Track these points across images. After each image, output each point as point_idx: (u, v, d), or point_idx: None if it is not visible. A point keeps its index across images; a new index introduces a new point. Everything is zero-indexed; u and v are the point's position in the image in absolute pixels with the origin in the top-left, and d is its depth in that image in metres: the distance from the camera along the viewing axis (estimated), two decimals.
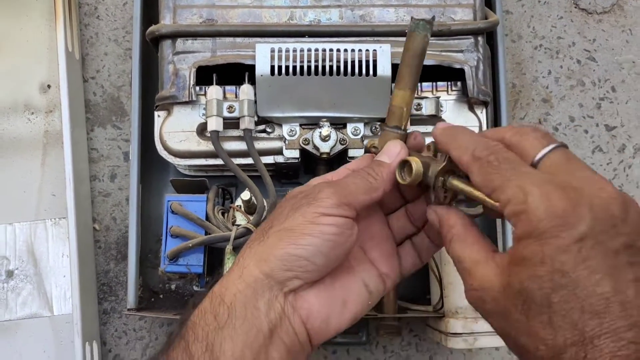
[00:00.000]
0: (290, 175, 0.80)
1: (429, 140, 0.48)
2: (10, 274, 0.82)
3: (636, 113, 0.91)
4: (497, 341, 0.69)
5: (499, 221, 0.78)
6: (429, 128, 0.74)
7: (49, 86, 0.86)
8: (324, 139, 0.70)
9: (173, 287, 0.83)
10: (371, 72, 0.70)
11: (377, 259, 0.49)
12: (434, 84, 0.74)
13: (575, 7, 0.93)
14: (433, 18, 0.44)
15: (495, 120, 0.78)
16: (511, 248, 0.37)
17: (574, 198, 0.34)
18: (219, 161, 0.72)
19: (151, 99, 0.78)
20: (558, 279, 0.33)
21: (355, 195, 0.45)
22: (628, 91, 0.91)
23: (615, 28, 0.93)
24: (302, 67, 0.70)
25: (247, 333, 0.42)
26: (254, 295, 0.42)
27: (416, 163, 0.45)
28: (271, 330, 0.43)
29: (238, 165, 0.71)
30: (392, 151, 0.48)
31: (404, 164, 0.46)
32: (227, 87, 0.73)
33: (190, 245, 0.68)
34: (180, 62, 0.72)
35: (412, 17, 0.46)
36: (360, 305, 0.47)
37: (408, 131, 0.50)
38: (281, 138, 0.73)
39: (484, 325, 0.69)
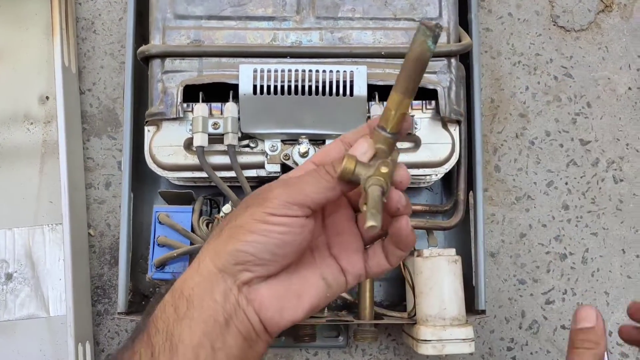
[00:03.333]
0: None
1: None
2: (9, 276, 0.87)
3: (610, 128, 0.94)
4: (465, 347, 0.73)
5: (472, 230, 0.82)
6: (404, 145, 0.78)
7: (47, 98, 0.91)
8: (303, 155, 0.75)
9: (163, 291, 0.87)
10: (348, 92, 0.74)
11: (339, 254, 0.50)
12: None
13: (554, 25, 0.97)
14: (438, 26, 0.43)
15: (469, 137, 0.82)
16: None
17: None
18: (205, 174, 0.76)
19: (143, 111, 0.82)
20: None
21: (307, 195, 0.45)
22: (603, 107, 0.95)
23: (592, 45, 0.96)
24: (283, 87, 0.74)
25: (204, 322, 0.45)
26: (210, 288, 0.45)
27: (348, 161, 0.44)
28: (227, 319, 0.46)
29: (222, 178, 0.75)
30: (358, 149, 0.47)
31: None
32: (213, 104, 0.77)
33: (175, 255, 0.72)
34: (169, 81, 0.76)
35: (421, 21, 0.44)
36: (316, 297, 0.49)
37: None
38: (263, 153, 0.77)
39: (452, 333, 0.73)
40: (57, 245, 0.87)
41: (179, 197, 0.80)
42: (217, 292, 0.45)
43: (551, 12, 0.97)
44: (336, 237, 0.51)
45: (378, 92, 0.76)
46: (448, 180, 0.88)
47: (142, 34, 0.85)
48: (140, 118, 0.82)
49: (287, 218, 0.45)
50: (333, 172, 0.46)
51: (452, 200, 0.84)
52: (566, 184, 0.93)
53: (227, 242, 0.46)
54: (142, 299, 0.86)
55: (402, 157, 0.77)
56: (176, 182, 0.84)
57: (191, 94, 0.77)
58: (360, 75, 0.74)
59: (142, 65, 0.82)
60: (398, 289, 0.89)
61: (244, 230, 0.45)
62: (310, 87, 0.74)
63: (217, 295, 0.45)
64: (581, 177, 0.93)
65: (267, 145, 0.77)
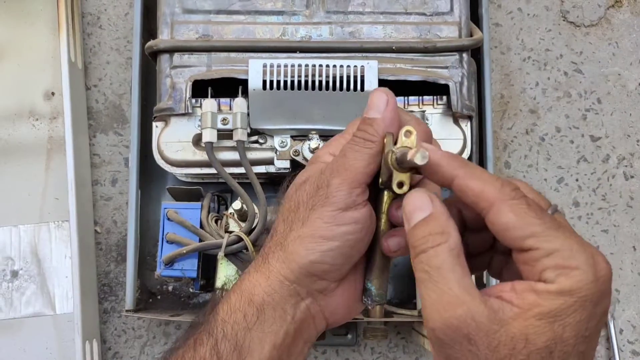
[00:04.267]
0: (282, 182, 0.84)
1: None
2: (15, 274, 0.86)
3: (621, 124, 0.93)
4: None
5: None
6: None
7: (53, 93, 0.90)
8: (313, 150, 0.74)
9: (170, 288, 0.86)
10: (359, 87, 0.73)
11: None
12: (420, 98, 0.77)
13: (564, 20, 0.96)
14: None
15: (480, 133, 0.81)
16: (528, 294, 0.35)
17: (605, 269, 0.35)
18: (214, 170, 0.75)
19: (151, 107, 0.81)
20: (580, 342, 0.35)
21: (362, 172, 0.42)
22: (613, 103, 0.94)
23: (602, 41, 0.95)
24: (292, 82, 0.73)
25: (275, 334, 0.42)
26: (282, 299, 0.43)
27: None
28: (296, 330, 0.44)
29: (231, 174, 0.75)
30: (379, 103, 0.43)
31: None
32: (222, 100, 0.76)
33: (184, 252, 0.71)
34: (177, 76, 0.75)
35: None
36: None
37: None
38: (273, 149, 0.76)
39: None
40: (63, 242, 0.86)
41: (187, 193, 0.79)
42: (289, 304, 0.43)
43: (561, 8, 0.96)
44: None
45: (389, 87, 0.75)
46: None
47: (149, 28, 0.84)
48: (147, 114, 0.82)
49: (356, 212, 0.42)
50: (373, 136, 0.42)
51: None
52: (577, 180, 0.92)
53: (298, 253, 0.42)
54: (150, 296, 0.86)
55: None
56: (184, 179, 0.83)
57: (200, 89, 0.76)
58: (371, 70, 0.73)
59: (149, 61, 0.81)
60: (407, 286, 0.88)
61: (316, 237, 0.42)
62: (320, 82, 0.73)
63: (288, 307, 0.43)
64: (592, 174, 0.93)
65: (276, 141, 0.76)
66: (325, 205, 0.42)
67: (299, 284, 0.43)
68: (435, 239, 0.37)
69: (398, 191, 0.42)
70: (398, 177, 0.41)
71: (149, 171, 0.84)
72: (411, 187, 0.42)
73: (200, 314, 0.46)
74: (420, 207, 0.39)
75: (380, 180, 0.44)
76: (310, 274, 0.43)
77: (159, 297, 0.86)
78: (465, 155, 0.77)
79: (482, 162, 0.81)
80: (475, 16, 0.82)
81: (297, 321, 0.44)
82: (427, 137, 0.45)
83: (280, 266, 0.43)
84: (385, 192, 0.44)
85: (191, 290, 0.79)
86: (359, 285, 0.46)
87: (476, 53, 0.81)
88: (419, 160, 0.38)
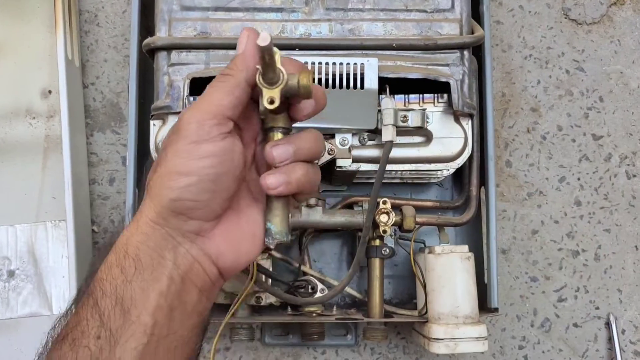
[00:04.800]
0: None
1: None
2: (11, 273, 0.85)
3: (623, 123, 0.92)
4: (479, 346, 0.72)
5: (484, 227, 0.80)
6: (415, 139, 0.76)
7: (50, 92, 0.89)
8: None
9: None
10: (359, 85, 0.72)
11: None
12: (421, 96, 0.76)
13: (565, 18, 0.95)
14: None
15: (481, 131, 0.80)
16: None
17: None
18: None
19: (148, 105, 0.80)
20: None
21: (218, 104, 0.43)
22: (615, 101, 0.93)
23: (604, 39, 0.95)
24: None
25: (157, 281, 0.42)
26: (157, 245, 0.42)
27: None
28: (182, 276, 0.43)
29: None
30: (240, 41, 0.46)
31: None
32: None
33: None
34: (175, 74, 0.75)
35: None
36: None
37: None
38: None
39: (465, 331, 0.71)
40: (60, 241, 0.85)
41: None
42: (166, 249, 0.43)
43: (562, 5, 0.95)
44: (264, 167, 0.49)
45: (389, 84, 0.74)
46: (458, 176, 0.87)
47: (146, 26, 0.83)
48: (145, 112, 0.81)
49: (212, 144, 0.43)
50: (232, 70, 0.44)
51: (464, 196, 0.83)
52: (578, 179, 0.91)
53: (160, 193, 0.42)
54: None
55: (414, 152, 0.75)
56: None
57: (197, 87, 0.75)
58: (371, 68, 0.72)
59: (146, 59, 0.80)
60: (407, 286, 0.88)
61: (173, 174, 0.42)
62: (320, 79, 0.72)
63: (166, 252, 0.43)
64: (594, 173, 0.92)
65: None
66: (178, 140, 0.42)
67: (168, 226, 0.43)
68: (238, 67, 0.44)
69: (270, 107, 0.44)
70: (267, 94, 0.43)
71: (146, 170, 0.83)
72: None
73: (83, 282, 0.46)
74: (239, 45, 0.46)
75: (263, 121, 0.47)
76: (176, 213, 0.42)
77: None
78: (467, 154, 0.76)
79: (483, 161, 0.80)
80: (476, 13, 0.81)
81: (179, 266, 0.43)
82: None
83: (147, 211, 0.43)
84: (275, 133, 0.47)
85: None
86: (246, 228, 0.46)
87: (477, 51, 0.81)
88: (261, 42, 0.40)
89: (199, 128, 0.42)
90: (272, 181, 0.45)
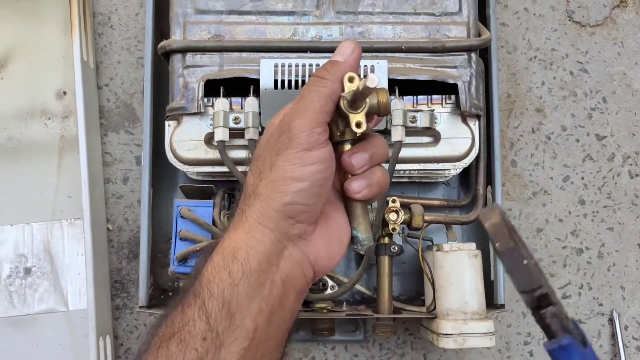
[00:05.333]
0: None
1: None
2: (28, 271, 0.87)
3: (626, 123, 0.94)
4: (486, 341, 0.74)
5: None
6: (423, 139, 0.78)
7: (64, 93, 0.91)
8: None
9: (181, 285, 0.87)
10: None
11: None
12: (429, 97, 0.78)
13: (569, 20, 0.97)
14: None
15: (488, 132, 0.82)
16: None
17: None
18: (225, 168, 0.76)
19: (162, 106, 0.83)
20: None
21: (319, 110, 0.45)
22: (618, 102, 0.95)
23: (608, 40, 0.97)
24: (304, 81, 0.74)
25: (262, 287, 0.43)
26: (265, 250, 0.44)
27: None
28: (283, 280, 0.44)
29: (243, 172, 0.76)
30: (345, 50, 0.48)
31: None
32: (233, 99, 0.77)
33: (198, 248, 0.72)
34: (190, 76, 0.76)
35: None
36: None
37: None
38: None
39: (473, 327, 0.73)
40: (76, 239, 0.87)
41: (199, 191, 0.80)
42: (273, 254, 0.44)
43: (566, 8, 0.97)
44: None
45: (398, 86, 0.76)
46: (464, 175, 0.88)
47: (159, 28, 0.85)
48: (159, 113, 0.83)
49: (320, 151, 0.45)
50: (331, 75, 0.46)
51: (470, 194, 0.85)
52: (582, 178, 0.93)
53: (272, 198, 0.44)
54: (162, 292, 0.87)
55: (422, 152, 0.77)
56: (194, 177, 0.84)
57: (211, 88, 0.77)
58: (381, 70, 0.74)
59: (160, 61, 0.82)
60: (415, 283, 0.89)
61: (286, 180, 0.44)
62: None
63: (273, 257, 0.44)
64: (597, 172, 0.94)
65: None
66: (290, 147, 0.44)
67: (278, 231, 0.44)
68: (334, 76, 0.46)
69: (357, 130, 0.46)
70: (355, 118, 0.46)
71: (160, 170, 0.85)
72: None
73: (187, 281, 0.47)
74: (341, 52, 0.48)
75: (337, 132, 0.48)
76: (287, 216, 0.44)
77: (170, 293, 0.87)
78: (474, 154, 0.78)
79: (489, 161, 0.82)
80: (482, 16, 0.83)
81: (283, 270, 0.45)
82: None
83: (258, 216, 0.44)
84: (344, 144, 0.49)
85: None
86: (334, 232, 0.49)
87: (484, 53, 0.82)
88: (370, 83, 0.43)
89: (309, 136, 0.44)
90: (356, 186, 0.48)
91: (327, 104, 0.46)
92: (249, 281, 0.43)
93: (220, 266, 0.43)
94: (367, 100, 0.46)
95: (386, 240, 0.78)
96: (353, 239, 0.50)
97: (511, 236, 0.43)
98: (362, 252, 0.51)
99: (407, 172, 0.80)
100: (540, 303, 0.43)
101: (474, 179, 0.83)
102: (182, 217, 0.75)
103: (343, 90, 0.46)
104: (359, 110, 0.46)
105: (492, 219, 0.43)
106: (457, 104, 0.77)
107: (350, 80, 0.46)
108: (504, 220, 0.43)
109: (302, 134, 0.44)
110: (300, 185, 0.44)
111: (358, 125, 0.46)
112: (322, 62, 0.74)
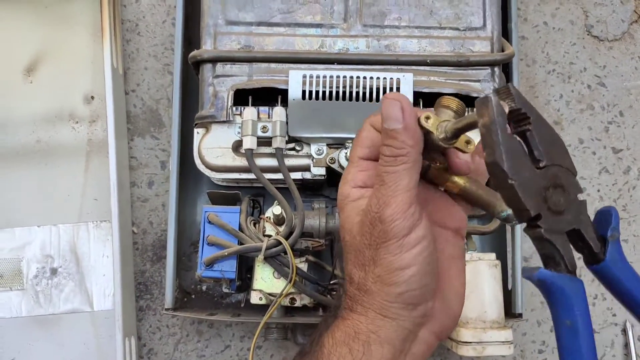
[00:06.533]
0: (315, 188, 0.87)
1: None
2: (54, 271, 0.89)
3: None
4: (505, 350, 0.75)
5: (509, 235, 0.84)
6: None
7: (92, 97, 0.93)
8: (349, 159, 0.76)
9: (204, 288, 0.89)
10: None
11: (444, 218, 0.47)
12: None
13: (588, 34, 0.99)
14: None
15: None
16: None
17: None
18: (252, 176, 0.78)
19: (188, 112, 0.84)
20: None
21: (407, 190, 0.42)
22: (635, 116, 0.97)
23: (625, 55, 0.98)
24: (331, 93, 0.76)
25: None
26: (388, 336, 0.43)
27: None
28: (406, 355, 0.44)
29: (269, 179, 0.78)
30: (394, 112, 0.43)
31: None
32: (261, 108, 0.79)
33: (226, 254, 0.74)
34: (220, 85, 0.78)
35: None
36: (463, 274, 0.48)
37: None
38: (309, 156, 0.79)
39: (492, 335, 0.75)
40: (102, 241, 0.89)
41: (225, 197, 0.82)
42: (398, 340, 0.43)
43: (585, 22, 0.99)
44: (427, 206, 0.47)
45: (423, 98, 0.78)
46: None
47: (187, 36, 0.87)
48: (185, 119, 0.84)
49: (419, 230, 0.42)
50: (404, 149, 0.42)
51: None
52: (598, 191, 0.95)
53: (385, 291, 0.43)
54: (185, 295, 0.89)
55: None
56: (219, 183, 0.86)
57: (239, 97, 0.79)
58: (407, 82, 0.76)
59: (187, 68, 0.84)
60: None
61: (392, 271, 0.43)
62: (357, 93, 0.76)
63: (398, 343, 0.43)
64: (613, 185, 0.95)
65: (313, 148, 0.79)
66: (388, 239, 0.42)
67: (400, 319, 0.43)
68: (403, 151, 0.42)
69: (469, 149, 0.43)
70: (461, 140, 0.43)
71: (186, 175, 0.87)
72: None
73: (306, 344, 0.47)
74: (392, 116, 0.42)
75: (435, 164, 0.45)
76: (406, 304, 0.43)
77: (193, 296, 0.89)
78: None
79: None
80: (504, 29, 0.85)
81: (414, 353, 0.44)
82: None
83: (377, 308, 0.43)
84: (432, 167, 0.46)
85: (225, 290, 0.82)
86: (449, 288, 0.46)
87: (505, 66, 0.84)
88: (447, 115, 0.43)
89: (404, 221, 0.42)
90: (462, 165, 0.45)
91: (412, 179, 0.43)
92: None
93: (341, 341, 0.43)
94: (452, 118, 0.43)
95: None
96: (506, 220, 0.46)
97: (499, 147, 0.37)
98: (517, 224, 0.47)
99: None
100: (529, 222, 0.40)
101: (493, 189, 0.85)
102: (209, 222, 0.77)
103: (428, 136, 0.43)
104: (455, 140, 0.43)
105: (483, 119, 0.38)
106: None
107: (427, 119, 0.43)
108: (496, 120, 0.37)
109: (396, 223, 0.42)
110: (409, 272, 0.42)
111: (468, 142, 0.43)
112: (349, 74, 0.76)
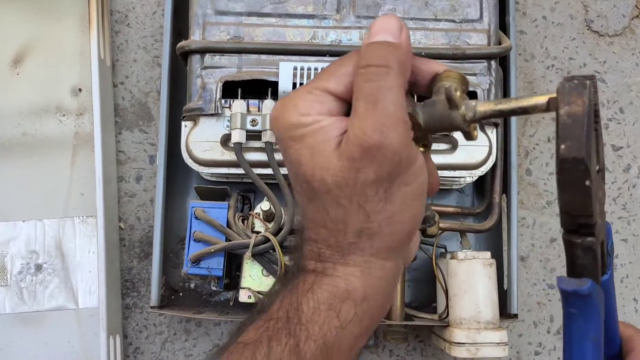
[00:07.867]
0: None
1: None
2: (39, 267, 0.87)
3: None
4: (499, 351, 0.73)
5: (505, 234, 0.82)
6: (440, 146, 0.78)
7: (80, 90, 0.91)
8: None
9: (192, 285, 0.87)
10: None
11: None
12: None
13: (588, 29, 0.97)
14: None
15: (505, 140, 0.82)
16: None
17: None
18: (241, 170, 0.76)
19: (177, 105, 0.82)
20: None
21: (403, 107, 0.35)
22: (636, 113, 0.94)
23: (626, 51, 0.96)
24: None
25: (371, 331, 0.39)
26: (388, 287, 0.39)
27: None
28: None
29: (258, 174, 0.75)
30: (391, 27, 0.37)
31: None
32: (251, 101, 0.77)
33: (213, 250, 0.72)
34: (208, 77, 0.76)
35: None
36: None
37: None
38: None
39: (486, 336, 0.73)
40: (87, 237, 0.87)
41: (214, 192, 0.80)
42: (392, 286, 0.41)
43: (585, 17, 0.97)
44: None
45: None
46: (479, 183, 0.88)
47: (177, 28, 0.85)
48: (174, 112, 0.82)
49: (418, 160, 0.37)
50: (388, 61, 0.35)
51: (485, 203, 0.84)
52: None
53: (399, 227, 0.37)
54: (172, 293, 0.86)
55: (439, 159, 0.77)
56: (208, 178, 0.84)
57: (229, 90, 0.77)
58: None
59: (176, 60, 0.82)
60: (426, 290, 0.89)
61: (410, 202, 0.37)
62: None
63: (391, 290, 0.41)
64: (612, 183, 0.93)
65: None
66: (401, 171, 0.36)
67: (398, 259, 0.39)
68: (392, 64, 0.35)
69: (475, 135, 0.39)
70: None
71: (174, 170, 0.85)
72: None
73: (265, 303, 0.39)
74: (388, 30, 0.36)
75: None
76: (410, 237, 0.39)
77: (181, 294, 0.87)
78: (491, 162, 0.77)
79: (505, 169, 0.82)
80: (502, 24, 0.83)
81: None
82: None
83: (375, 251, 0.37)
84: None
85: (213, 288, 0.80)
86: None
87: (502, 60, 0.82)
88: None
89: (412, 146, 0.36)
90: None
91: (404, 97, 0.36)
92: (359, 324, 0.37)
93: (327, 304, 0.37)
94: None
95: None
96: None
97: (587, 142, 0.32)
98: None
99: None
100: (580, 229, 0.35)
101: (488, 187, 0.83)
102: (196, 218, 0.75)
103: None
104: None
105: (573, 107, 0.33)
106: None
107: (456, 90, 0.37)
108: (588, 114, 0.32)
109: (406, 149, 0.35)
110: (424, 201, 0.38)
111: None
112: None
